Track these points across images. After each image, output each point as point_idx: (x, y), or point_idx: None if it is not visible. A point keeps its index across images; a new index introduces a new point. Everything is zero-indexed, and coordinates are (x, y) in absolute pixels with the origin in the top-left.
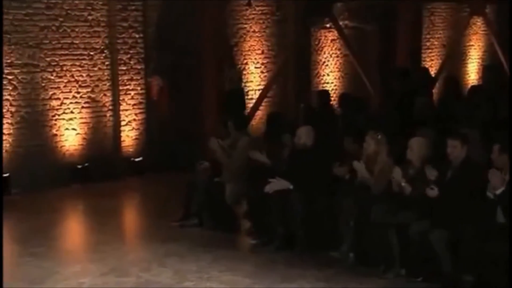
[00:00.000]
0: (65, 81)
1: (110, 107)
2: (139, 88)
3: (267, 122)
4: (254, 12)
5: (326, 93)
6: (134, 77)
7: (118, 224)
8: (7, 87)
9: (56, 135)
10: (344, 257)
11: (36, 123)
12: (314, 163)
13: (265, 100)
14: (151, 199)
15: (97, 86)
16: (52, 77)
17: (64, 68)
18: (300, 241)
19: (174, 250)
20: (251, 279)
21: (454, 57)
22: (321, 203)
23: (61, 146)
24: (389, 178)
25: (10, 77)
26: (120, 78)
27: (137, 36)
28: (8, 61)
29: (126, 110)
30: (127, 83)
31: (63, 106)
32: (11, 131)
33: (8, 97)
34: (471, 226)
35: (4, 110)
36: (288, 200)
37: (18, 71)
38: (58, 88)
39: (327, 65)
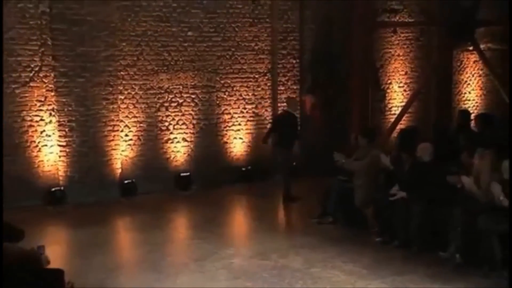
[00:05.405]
0: (235, 99)
1: (270, 120)
2: None
3: (398, 135)
4: (399, 38)
5: (466, 112)
6: (291, 96)
7: (270, 217)
8: (190, 104)
9: (226, 142)
10: (451, 258)
11: (211, 133)
12: (431, 177)
13: (406, 115)
14: (299, 199)
15: (260, 103)
16: (225, 96)
17: (234, 89)
18: (416, 243)
19: (308, 242)
20: (368, 270)
21: None
22: (435, 211)
23: (230, 152)
24: (492, 192)
25: (193, 96)
26: (279, 96)
27: (294, 61)
28: (192, 83)
29: None
30: (284, 100)
31: (233, 120)
32: (193, 139)
33: (191, 112)
34: None
35: (187, 123)
36: (408, 207)
37: (199, 91)
38: (229, 105)
39: (468, 84)
